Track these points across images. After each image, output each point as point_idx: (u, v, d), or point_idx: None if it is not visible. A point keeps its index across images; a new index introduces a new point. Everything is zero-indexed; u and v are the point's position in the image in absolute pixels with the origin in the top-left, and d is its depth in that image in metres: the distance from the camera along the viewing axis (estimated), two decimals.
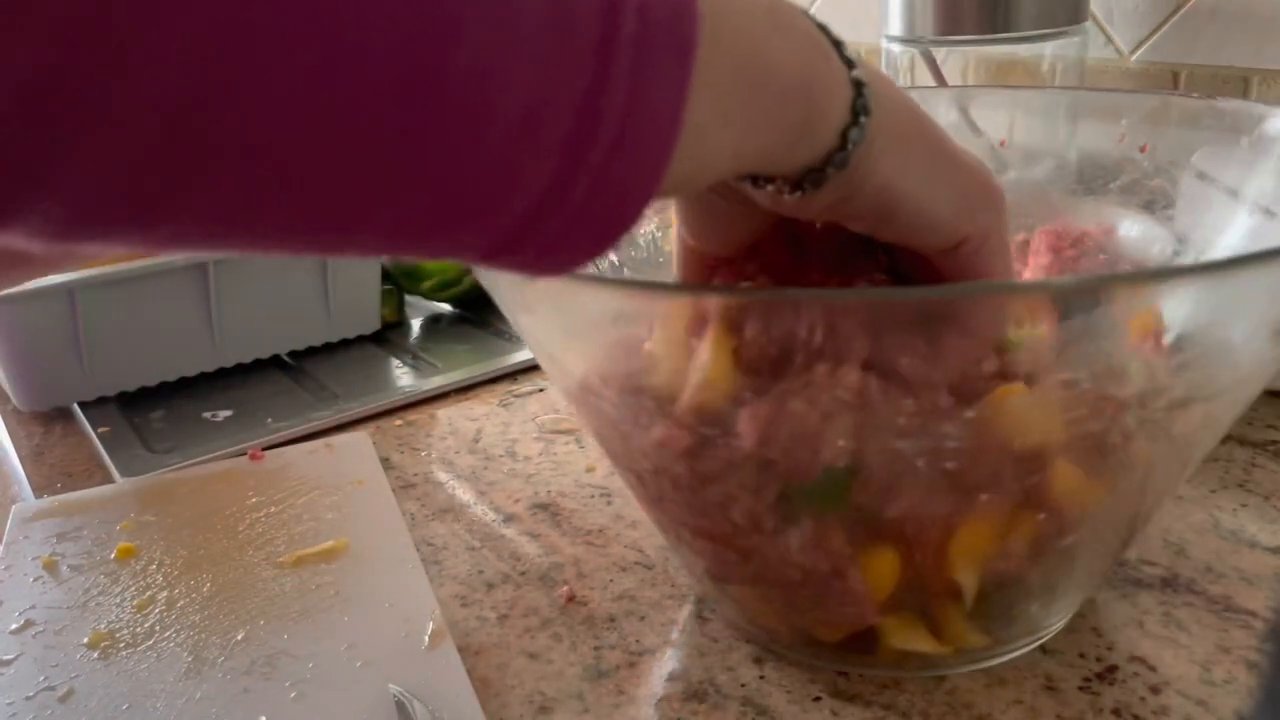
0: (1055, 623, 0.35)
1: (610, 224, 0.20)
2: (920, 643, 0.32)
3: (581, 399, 0.33)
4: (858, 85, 0.24)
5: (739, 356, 0.28)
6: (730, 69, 0.21)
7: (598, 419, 0.33)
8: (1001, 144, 0.47)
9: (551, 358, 0.35)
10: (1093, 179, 0.43)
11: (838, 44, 0.25)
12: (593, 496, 0.48)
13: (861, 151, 0.24)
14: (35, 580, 0.43)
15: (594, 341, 0.33)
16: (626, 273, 0.42)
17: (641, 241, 0.43)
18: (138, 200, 0.16)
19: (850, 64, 0.24)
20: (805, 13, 0.25)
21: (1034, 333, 0.27)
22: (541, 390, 0.61)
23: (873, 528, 0.30)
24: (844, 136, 0.24)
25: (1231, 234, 0.38)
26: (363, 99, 0.16)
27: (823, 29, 0.25)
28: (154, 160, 0.16)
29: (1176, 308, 0.28)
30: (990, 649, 0.34)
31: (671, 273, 0.34)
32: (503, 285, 0.32)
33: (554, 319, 0.33)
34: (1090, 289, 0.27)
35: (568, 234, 0.20)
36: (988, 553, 0.30)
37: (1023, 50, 0.65)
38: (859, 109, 0.24)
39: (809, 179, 0.25)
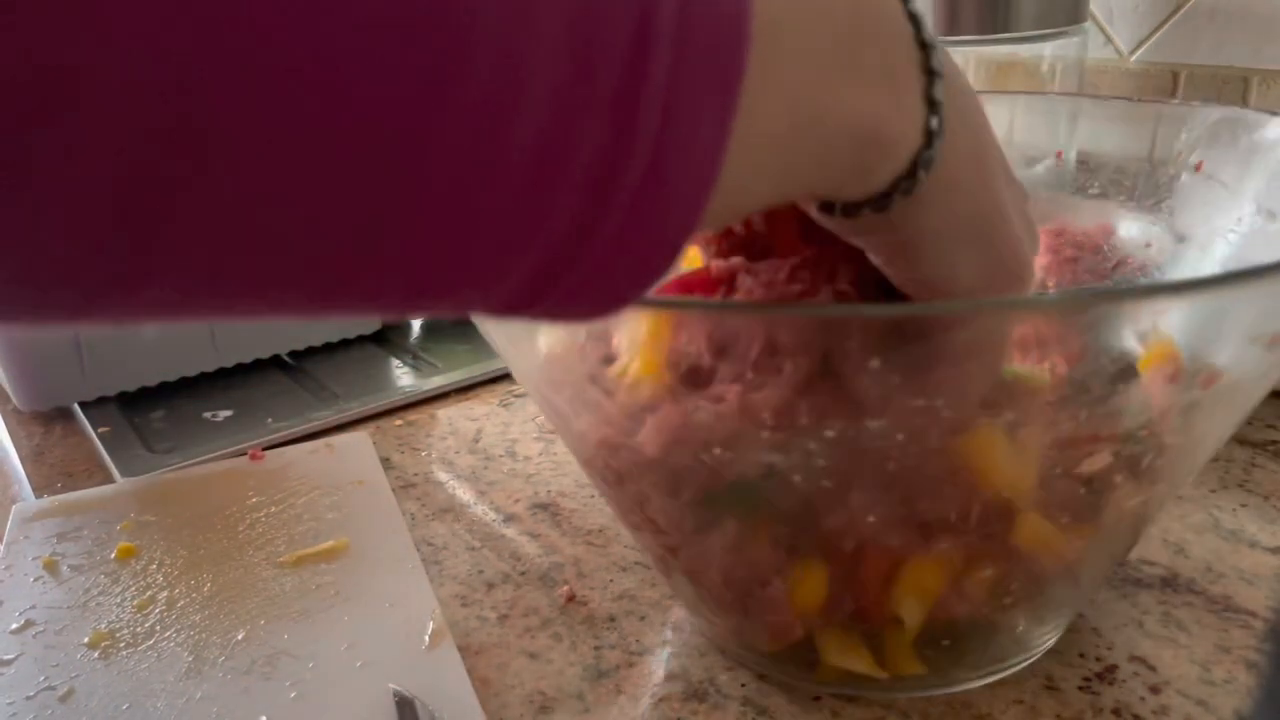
0: (1043, 643, 0.34)
1: (636, 272, 0.18)
2: (858, 664, 0.31)
3: (525, 385, 0.33)
4: (929, 135, 0.21)
5: (671, 361, 0.27)
6: (782, 105, 0.19)
7: (541, 407, 0.33)
8: (1058, 155, 0.46)
9: (498, 345, 0.34)
10: (1144, 195, 0.42)
11: (931, 74, 0.21)
12: (593, 496, 0.48)
13: (906, 201, 0.22)
14: (35, 580, 0.43)
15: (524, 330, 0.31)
16: None
17: None
18: (115, 225, 0.14)
19: (932, 105, 0.21)
20: (908, 25, 0.21)
21: (1032, 371, 0.25)
22: None
23: (801, 540, 0.29)
24: (894, 185, 0.22)
25: (1231, 236, 0.38)
26: (351, 130, 0.14)
27: (925, 49, 0.21)
28: (125, 182, 0.14)
29: (1185, 329, 0.26)
30: (932, 679, 0.33)
31: None
32: None
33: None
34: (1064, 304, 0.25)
35: (592, 282, 0.18)
36: (938, 592, 0.29)
37: (1022, 50, 0.65)
38: (922, 162, 0.22)
39: (844, 209, 0.23)
